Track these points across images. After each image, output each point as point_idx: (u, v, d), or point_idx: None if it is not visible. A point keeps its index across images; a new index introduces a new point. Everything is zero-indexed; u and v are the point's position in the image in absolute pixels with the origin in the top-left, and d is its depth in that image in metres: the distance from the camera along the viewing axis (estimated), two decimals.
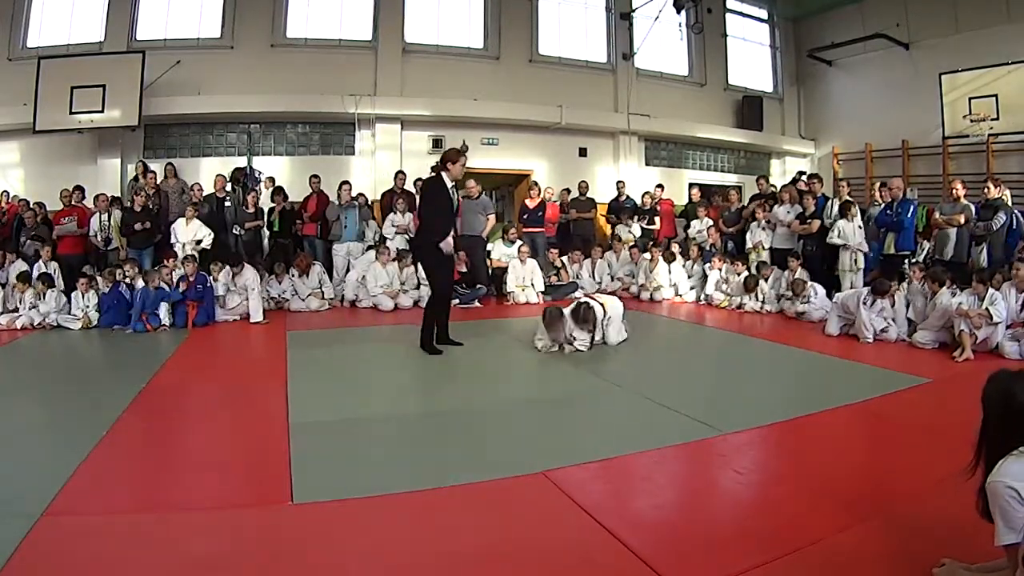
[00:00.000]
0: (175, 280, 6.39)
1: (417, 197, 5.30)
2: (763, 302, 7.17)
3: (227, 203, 7.90)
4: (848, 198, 7.21)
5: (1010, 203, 6.88)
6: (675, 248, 8.53)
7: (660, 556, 2.00)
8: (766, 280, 7.26)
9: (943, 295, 5.26)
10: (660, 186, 10.14)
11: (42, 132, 8.35)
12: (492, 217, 8.13)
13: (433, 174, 5.11)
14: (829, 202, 7.48)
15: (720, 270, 7.79)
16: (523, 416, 3.63)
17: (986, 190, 6.52)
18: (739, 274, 7.56)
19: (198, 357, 5.22)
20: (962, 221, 6.56)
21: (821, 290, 6.57)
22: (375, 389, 3.85)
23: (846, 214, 6.93)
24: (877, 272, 6.67)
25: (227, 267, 6.78)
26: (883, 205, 7.11)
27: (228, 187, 8.31)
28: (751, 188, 10.23)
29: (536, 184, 9.33)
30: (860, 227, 6.89)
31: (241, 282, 6.72)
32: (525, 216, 9.05)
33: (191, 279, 6.37)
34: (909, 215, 6.80)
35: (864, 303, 5.49)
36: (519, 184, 10.94)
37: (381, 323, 6.66)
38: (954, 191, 6.82)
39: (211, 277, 6.67)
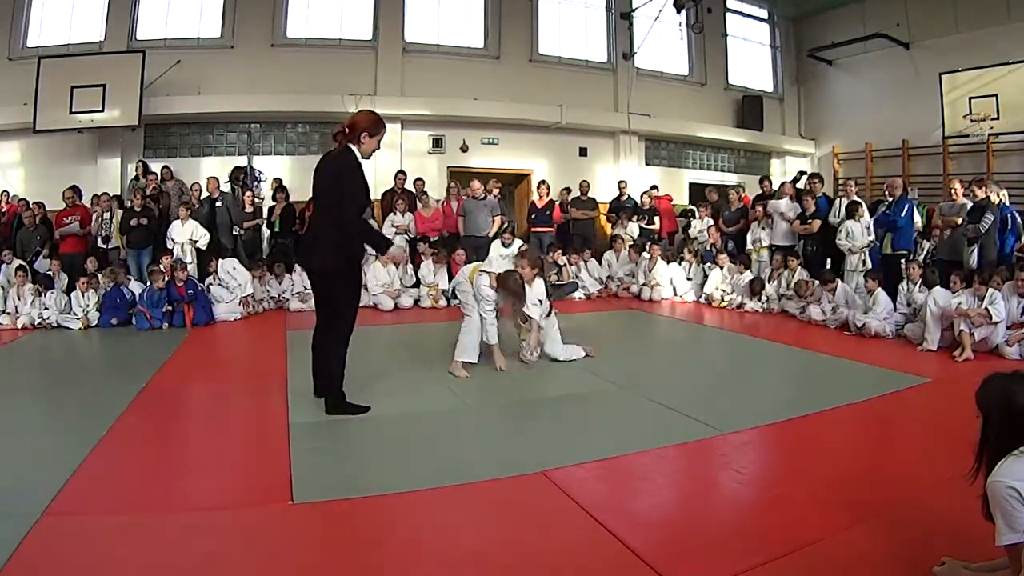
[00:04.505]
0: (163, 284, 6.38)
1: (316, 177, 3.51)
2: (765, 302, 7.18)
3: (218, 204, 7.90)
4: (856, 198, 7.20)
5: (1008, 202, 6.87)
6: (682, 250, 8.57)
7: (660, 556, 2.00)
8: (771, 282, 7.27)
9: (934, 295, 5.24)
10: (655, 187, 10.14)
11: (42, 132, 8.34)
12: (499, 219, 8.13)
13: (339, 147, 3.44)
14: (838, 202, 7.47)
15: (723, 268, 7.80)
16: (523, 416, 3.64)
17: (973, 192, 6.52)
18: (740, 273, 7.58)
19: (198, 357, 5.22)
20: (959, 221, 6.57)
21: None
22: (375, 389, 3.84)
23: (853, 214, 6.93)
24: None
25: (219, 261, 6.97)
26: (884, 205, 7.11)
27: (227, 187, 8.32)
28: (752, 188, 10.23)
29: (544, 183, 9.32)
30: (867, 227, 6.88)
31: (223, 272, 6.86)
32: (533, 216, 9.05)
33: (180, 285, 6.38)
34: (904, 214, 6.80)
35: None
36: (519, 184, 10.94)
37: (381, 323, 6.66)
38: (953, 192, 6.83)
39: (207, 280, 6.82)
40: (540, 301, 4.67)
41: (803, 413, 3.50)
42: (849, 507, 2.33)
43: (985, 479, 1.69)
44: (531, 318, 4.60)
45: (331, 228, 3.35)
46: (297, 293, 7.39)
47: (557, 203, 9.59)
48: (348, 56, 9.74)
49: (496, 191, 8.62)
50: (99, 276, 6.57)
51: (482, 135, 10.30)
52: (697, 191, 11.08)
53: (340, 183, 3.31)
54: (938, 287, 5.34)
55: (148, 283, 6.37)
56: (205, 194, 8.11)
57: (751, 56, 12.78)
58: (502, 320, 4.79)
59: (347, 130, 3.39)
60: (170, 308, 6.28)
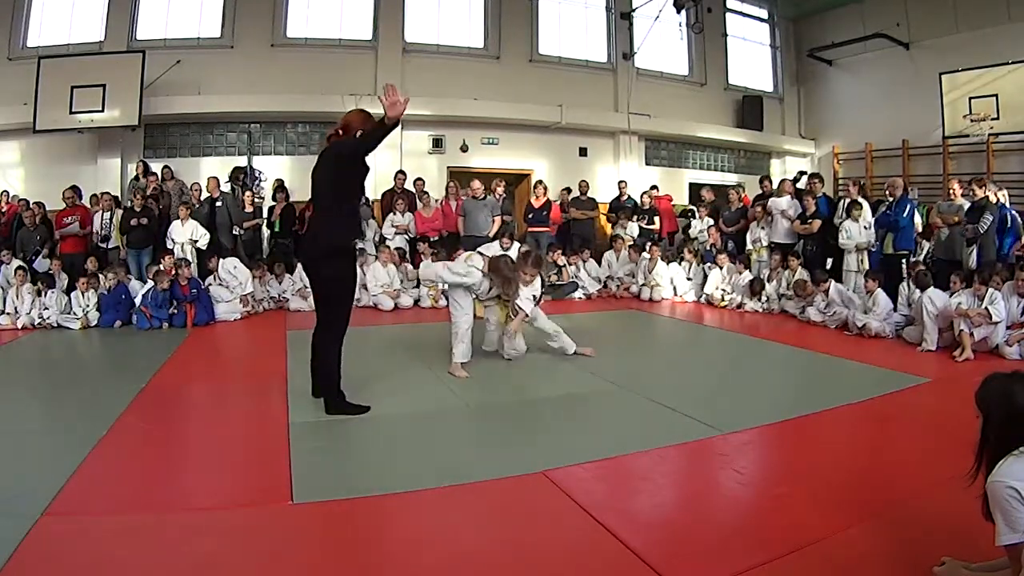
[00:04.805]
0: (168, 284, 6.38)
1: (313, 177, 3.45)
2: (765, 302, 7.18)
3: (218, 204, 7.91)
4: (858, 198, 7.20)
5: (1007, 202, 6.88)
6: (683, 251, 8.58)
7: (660, 556, 2.00)
8: (771, 282, 7.28)
9: (930, 295, 5.24)
10: (655, 187, 10.16)
11: (42, 132, 8.34)
12: (499, 218, 8.13)
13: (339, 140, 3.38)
14: (842, 203, 7.46)
15: (722, 268, 7.80)
16: (523, 416, 3.64)
17: (973, 191, 6.51)
18: (739, 273, 7.58)
19: (198, 357, 5.22)
20: (956, 220, 6.57)
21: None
22: (375, 389, 3.85)
23: (851, 214, 6.92)
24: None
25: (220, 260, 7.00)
26: (885, 205, 7.11)
27: (227, 187, 8.32)
28: (752, 188, 10.24)
29: (541, 183, 9.34)
30: (867, 227, 6.88)
31: (224, 272, 6.87)
32: (530, 216, 9.07)
33: (184, 284, 6.39)
34: (905, 214, 6.81)
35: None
36: (519, 184, 10.95)
37: (381, 323, 6.66)
38: (951, 191, 6.83)
39: (207, 280, 6.83)
40: (534, 296, 4.67)
41: (803, 413, 3.50)
42: (849, 507, 2.33)
43: (985, 479, 1.69)
44: (521, 309, 4.58)
45: (330, 228, 3.39)
46: (299, 290, 7.38)
47: (556, 203, 9.59)
48: (348, 56, 9.74)
49: (500, 189, 8.63)
50: (100, 276, 6.57)
51: (482, 135, 10.31)
52: (697, 191, 11.08)
53: (342, 173, 3.33)
54: (932, 287, 5.34)
55: (153, 283, 6.33)
56: (205, 194, 8.11)
57: (751, 56, 12.77)
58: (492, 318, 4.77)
59: (341, 131, 3.40)
60: (174, 311, 6.28)
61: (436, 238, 8.43)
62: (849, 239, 6.91)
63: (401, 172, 8.84)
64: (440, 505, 2.40)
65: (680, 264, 8.46)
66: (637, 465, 2.80)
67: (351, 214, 3.53)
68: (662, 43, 11.35)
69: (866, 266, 6.75)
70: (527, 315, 4.63)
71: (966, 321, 4.89)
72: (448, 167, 10.17)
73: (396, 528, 2.28)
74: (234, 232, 7.96)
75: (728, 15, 12.36)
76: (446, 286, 4.70)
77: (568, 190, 9.87)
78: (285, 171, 9.16)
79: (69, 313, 6.33)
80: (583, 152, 11.02)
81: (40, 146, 8.77)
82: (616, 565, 1.97)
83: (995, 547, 1.65)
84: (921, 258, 7.19)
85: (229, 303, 6.73)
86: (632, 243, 8.83)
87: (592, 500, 2.39)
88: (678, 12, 10.37)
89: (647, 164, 11.49)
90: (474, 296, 4.57)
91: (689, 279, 8.27)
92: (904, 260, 6.79)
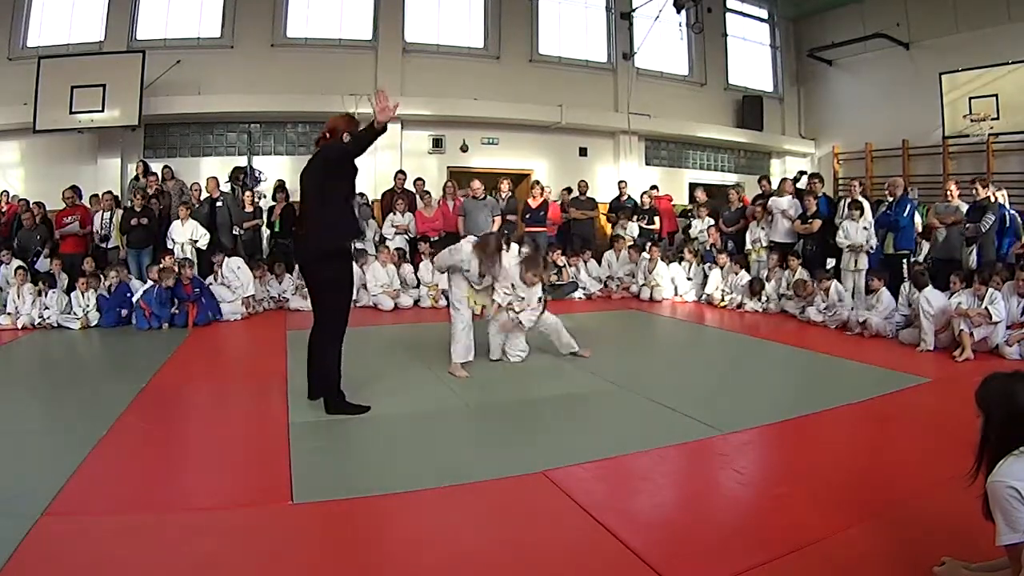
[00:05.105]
0: (172, 283, 6.39)
1: (303, 179, 3.51)
2: (765, 302, 7.18)
3: (218, 204, 7.91)
4: (859, 198, 7.19)
5: (1006, 202, 6.88)
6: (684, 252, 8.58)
7: (660, 556, 2.00)
8: (770, 281, 7.27)
9: (926, 295, 5.24)
10: (655, 187, 10.16)
11: (42, 132, 8.34)
12: (498, 219, 8.13)
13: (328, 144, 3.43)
14: (843, 202, 7.45)
15: (722, 268, 7.79)
16: (523, 416, 3.63)
17: (975, 191, 6.52)
18: (736, 273, 7.58)
19: (198, 357, 5.22)
20: (949, 221, 6.57)
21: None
22: (375, 389, 3.85)
23: (851, 214, 6.93)
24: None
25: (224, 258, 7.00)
26: (885, 205, 7.11)
27: (227, 187, 8.32)
28: (752, 188, 10.25)
29: (538, 183, 9.35)
30: (866, 227, 6.88)
31: (227, 271, 6.86)
32: (528, 216, 9.08)
33: (187, 284, 6.39)
34: (906, 214, 6.81)
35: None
36: (519, 184, 10.94)
37: (381, 323, 6.66)
38: (948, 193, 6.83)
39: (208, 279, 6.82)
40: (539, 298, 4.67)
41: (803, 413, 3.51)
42: (849, 507, 2.33)
43: (985, 479, 1.69)
44: (495, 302, 4.60)
45: (320, 231, 3.42)
46: (298, 289, 7.36)
47: (557, 203, 9.59)
48: (348, 56, 9.74)
49: (506, 188, 8.62)
50: (100, 275, 6.57)
51: (482, 135, 10.31)
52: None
53: (330, 176, 3.37)
54: (929, 287, 5.34)
55: (158, 283, 6.30)
56: (205, 194, 8.11)
57: (751, 56, 12.78)
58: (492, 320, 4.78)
59: (328, 134, 3.46)
60: (176, 311, 6.27)
61: (436, 238, 8.43)
62: (846, 239, 6.91)
63: (401, 172, 8.84)
64: (440, 505, 2.41)
65: (680, 264, 8.46)
66: (637, 465, 2.80)
67: (343, 216, 3.53)
68: (662, 43, 11.35)
69: (861, 266, 6.75)
70: (501, 307, 4.64)
71: (966, 321, 4.89)
72: (448, 167, 10.18)
73: (396, 528, 2.28)
74: (234, 232, 7.96)
75: (728, 15, 12.37)
76: (447, 286, 4.71)
77: (568, 190, 9.87)
78: (285, 171, 9.15)
79: (69, 313, 6.33)
80: (583, 152, 11.02)
81: (40, 146, 8.77)
82: (616, 565, 1.97)
83: (995, 547, 1.65)
84: (921, 258, 7.18)
85: (231, 303, 6.73)
86: (632, 243, 8.83)
87: (592, 500, 2.40)
88: (678, 12, 10.37)
89: (647, 164, 11.49)
90: (467, 281, 4.56)
91: (689, 279, 8.27)
92: (905, 260, 6.79)
